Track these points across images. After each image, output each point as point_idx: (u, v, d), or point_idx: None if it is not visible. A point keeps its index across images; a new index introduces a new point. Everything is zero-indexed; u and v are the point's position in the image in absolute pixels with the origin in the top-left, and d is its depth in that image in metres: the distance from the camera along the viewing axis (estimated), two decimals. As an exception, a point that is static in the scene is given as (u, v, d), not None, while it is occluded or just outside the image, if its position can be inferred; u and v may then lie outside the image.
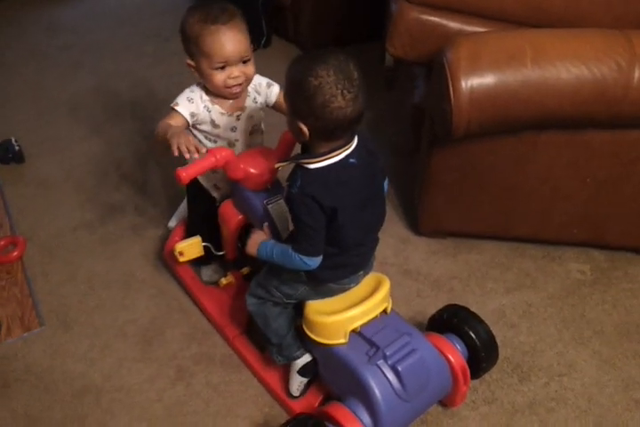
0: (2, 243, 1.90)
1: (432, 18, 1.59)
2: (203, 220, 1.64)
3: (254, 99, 1.49)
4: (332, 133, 1.10)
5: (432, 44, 1.60)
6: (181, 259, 1.56)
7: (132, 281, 1.81)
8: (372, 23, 2.91)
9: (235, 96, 1.42)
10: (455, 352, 1.37)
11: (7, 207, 2.09)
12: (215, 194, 1.61)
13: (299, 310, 1.38)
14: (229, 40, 1.32)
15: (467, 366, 1.37)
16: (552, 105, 1.39)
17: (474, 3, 1.57)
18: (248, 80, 1.41)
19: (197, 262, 1.69)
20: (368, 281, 1.35)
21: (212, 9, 1.34)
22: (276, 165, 1.20)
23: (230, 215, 1.50)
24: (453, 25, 1.58)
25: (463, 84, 1.36)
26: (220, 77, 1.36)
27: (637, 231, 1.77)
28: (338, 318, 1.28)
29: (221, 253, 1.61)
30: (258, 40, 2.93)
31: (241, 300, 1.61)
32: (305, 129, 1.09)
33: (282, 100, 1.49)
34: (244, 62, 1.37)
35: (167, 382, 1.53)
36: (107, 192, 2.16)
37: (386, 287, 1.33)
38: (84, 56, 3.05)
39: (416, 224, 1.94)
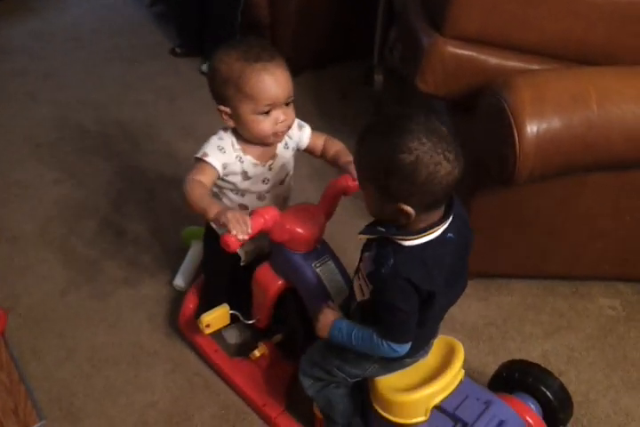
0: (-24, 319, 1.64)
1: (468, 52, 1.48)
2: (225, 283, 1.47)
3: (285, 144, 1.33)
4: (438, 203, 0.96)
5: (466, 80, 1.51)
6: (207, 331, 1.38)
7: (141, 354, 1.59)
8: (354, 42, 2.81)
9: (276, 142, 1.27)
10: (536, 417, 1.26)
11: (-24, 273, 1.83)
12: (241, 253, 1.44)
13: (360, 385, 1.24)
14: (277, 80, 1.17)
15: (546, 429, 1.27)
16: (618, 149, 1.33)
17: (513, 35, 1.47)
18: (291, 124, 1.26)
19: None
20: (437, 345, 1.23)
21: (250, 46, 1.18)
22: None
23: (269, 280, 1.34)
24: (491, 60, 1.49)
25: (529, 129, 1.27)
26: (266, 124, 1.20)
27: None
28: (420, 394, 1.14)
29: (251, 321, 1.43)
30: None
31: (276, 372, 1.47)
32: (410, 209, 0.93)
33: (315, 142, 1.36)
34: (287, 104, 1.22)
35: (208, 477, 1.34)
36: (88, 243, 1.92)
37: (461, 355, 1.21)
38: (40, 83, 2.73)
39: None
